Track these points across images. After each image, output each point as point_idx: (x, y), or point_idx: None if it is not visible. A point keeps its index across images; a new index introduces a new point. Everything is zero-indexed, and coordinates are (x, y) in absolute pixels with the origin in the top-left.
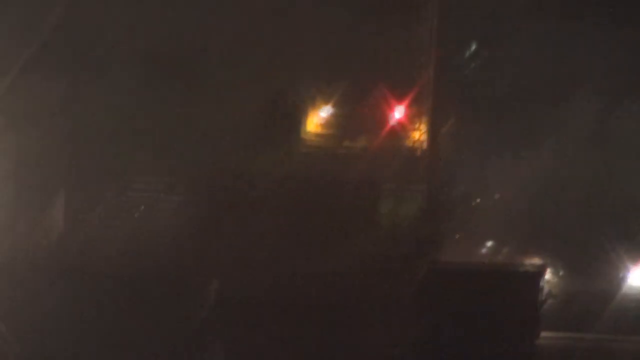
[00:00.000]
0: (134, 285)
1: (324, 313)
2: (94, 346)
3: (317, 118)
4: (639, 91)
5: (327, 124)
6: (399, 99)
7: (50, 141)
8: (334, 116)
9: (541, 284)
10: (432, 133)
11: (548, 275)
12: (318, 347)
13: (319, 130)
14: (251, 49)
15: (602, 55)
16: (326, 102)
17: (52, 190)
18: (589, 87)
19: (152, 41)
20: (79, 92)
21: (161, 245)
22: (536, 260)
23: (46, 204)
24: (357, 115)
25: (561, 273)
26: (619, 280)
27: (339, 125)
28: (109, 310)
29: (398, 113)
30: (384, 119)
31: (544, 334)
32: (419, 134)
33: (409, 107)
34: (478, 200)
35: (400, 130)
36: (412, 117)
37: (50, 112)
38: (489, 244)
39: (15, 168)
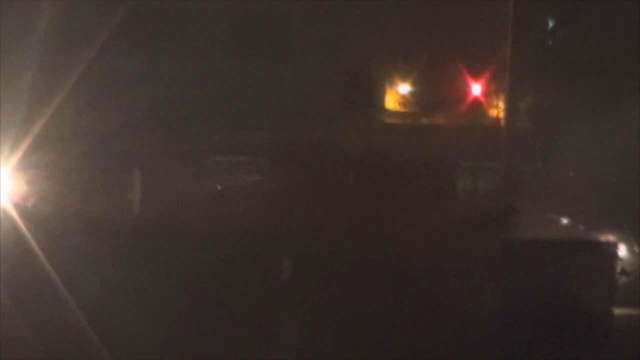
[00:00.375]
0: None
1: (400, 283)
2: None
3: (397, 94)
4: None
5: (407, 100)
6: (477, 75)
7: (128, 119)
8: (413, 93)
9: (615, 260)
10: (510, 110)
11: (622, 251)
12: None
13: (398, 106)
14: (331, 23)
15: None
16: (405, 79)
17: (129, 169)
18: None
19: (227, 17)
20: (156, 70)
21: (240, 216)
22: (611, 237)
23: (124, 183)
24: (436, 92)
25: (637, 250)
26: None
27: (418, 102)
28: (188, 277)
29: (476, 90)
30: (462, 95)
31: (618, 310)
32: (497, 111)
33: (486, 84)
34: (554, 176)
35: (478, 107)
36: (490, 93)
37: (128, 91)
38: (565, 220)
39: (96, 146)
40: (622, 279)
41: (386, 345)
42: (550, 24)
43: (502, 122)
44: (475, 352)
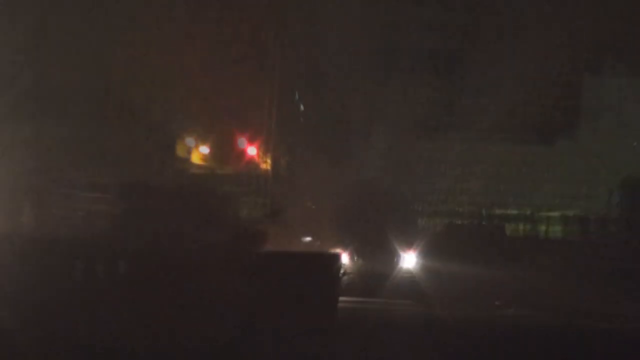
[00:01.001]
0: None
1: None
2: None
3: (200, 153)
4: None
5: (206, 157)
6: (253, 141)
7: None
8: (211, 153)
9: (339, 265)
10: (274, 164)
11: (345, 259)
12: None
13: (200, 161)
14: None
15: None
16: (205, 143)
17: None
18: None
19: None
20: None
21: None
22: (337, 249)
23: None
24: (225, 152)
25: (355, 258)
26: (395, 263)
27: (213, 159)
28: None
29: (251, 151)
30: (242, 154)
31: (343, 298)
32: (265, 164)
33: (259, 147)
34: (303, 208)
35: (253, 162)
36: (261, 153)
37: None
38: (308, 238)
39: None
40: (344, 278)
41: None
42: (301, 105)
43: (269, 172)
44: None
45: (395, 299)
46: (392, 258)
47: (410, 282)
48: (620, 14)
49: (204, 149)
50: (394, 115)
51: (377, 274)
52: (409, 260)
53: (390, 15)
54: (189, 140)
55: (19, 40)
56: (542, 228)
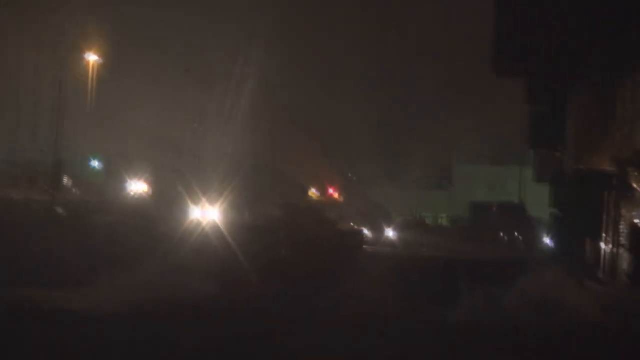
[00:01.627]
0: None
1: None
2: None
3: (314, 193)
4: None
5: (316, 195)
6: (332, 185)
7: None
8: (317, 192)
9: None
10: (344, 194)
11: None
12: None
13: (315, 196)
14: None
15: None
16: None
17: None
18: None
19: None
20: None
21: None
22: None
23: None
24: (323, 192)
25: (368, 232)
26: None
27: (319, 195)
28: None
29: (333, 192)
30: (329, 193)
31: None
32: (338, 197)
33: (335, 189)
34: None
35: (334, 196)
36: (337, 192)
37: None
38: (352, 224)
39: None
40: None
41: None
42: (349, 173)
43: (340, 200)
44: None
45: (383, 247)
46: (383, 232)
47: (389, 241)
48: None
49: (315, 191)
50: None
51: (376, 238)
52: (388, 232)
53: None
54: (311, 189)
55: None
56: (439, 221)
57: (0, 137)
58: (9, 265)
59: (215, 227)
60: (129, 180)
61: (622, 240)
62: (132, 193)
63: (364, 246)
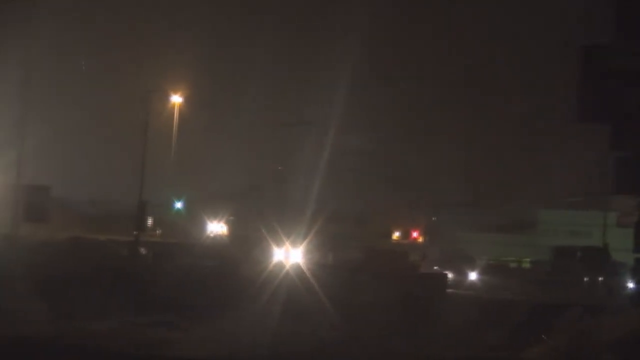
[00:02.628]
0: None
1: None
2: None
3: (396, 236)
4: None
5: (398, 238)
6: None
7: None
8: (399, 236)
9: (447, 277)
10: (424, 239)
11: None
12: None
13: (397, 239)
14: None
15: None
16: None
17: None
18: None
19: None
20: None
21: None
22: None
23: None
24: (405, 235)
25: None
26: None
27: (401, 238)
28: None
29: (415, 235)
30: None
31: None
32: (421, 239)
33: (419, 233)
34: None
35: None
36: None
37: None
38: (435, 268)
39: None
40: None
41: None
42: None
43: (422, 242)
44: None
45: (466, 290)
46: (466, 275)
47: (472, 284)
48: None
49: (397, 234)
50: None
51: (459, 281)
52: (471, 276)
53: None
54: (394, 233)
55: None
56: (522, 265)
57: (86, 180)
58: (94, 303)
59: (299, 270)
60: (209, 223)
61: None
62: (211, 235)
63: (447, 290)
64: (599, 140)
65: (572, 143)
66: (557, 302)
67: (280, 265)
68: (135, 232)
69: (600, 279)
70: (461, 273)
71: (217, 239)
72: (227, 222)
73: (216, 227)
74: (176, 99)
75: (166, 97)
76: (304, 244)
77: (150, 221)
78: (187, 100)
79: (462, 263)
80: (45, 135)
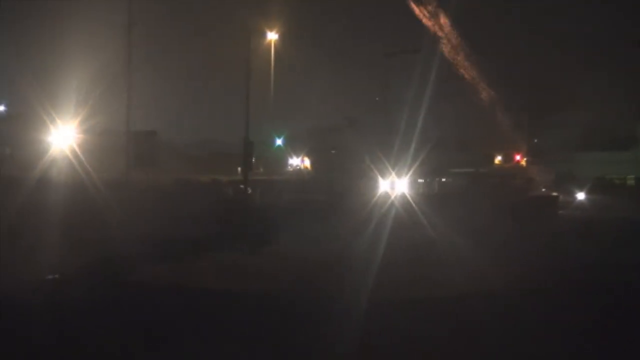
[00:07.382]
0: None
1: None
2: None
3: (499, 160)
4: None
5: (500, 161)
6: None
7: None
8: (502, 159)
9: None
10: (527, 162)
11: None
12: None
13: (499, 162)
14: None
15: None
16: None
17: None
18: None
19: None
20: None
21: None
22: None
23: None
24: (508, 159)
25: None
26: None
27: (503, 161)
28: None
29: (518, 158)
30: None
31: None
32: (524, 163)
33: (521, 157)
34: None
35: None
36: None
37: None
38: (543, 189)
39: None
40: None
41: None
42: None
43: (526, 166)
44: None
45: (574, 210)
46: (573, 196)
47: (580, 204)
48: None
49: (500, 158)
50: None
51: (567, 202)
52: (579, 195)
53: None
54: (497, 156)
55: None
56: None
57: (189, 122)
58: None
59: (405, 199)
60: (294, 157)
61: None
62: (290, 169)
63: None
64: None
65: None
66: None
67: (385, 196)
68: (239, 170)
69: None
70: (568, 194)
71: (301, 172)
72: (325, 156)
73: (298, 161)
74: (272, 36)
75: (263, 35)
76: (409, 174)
77: (253, 159)
78: (286, 36)
79: (569, 183)
80: (150, 80)
